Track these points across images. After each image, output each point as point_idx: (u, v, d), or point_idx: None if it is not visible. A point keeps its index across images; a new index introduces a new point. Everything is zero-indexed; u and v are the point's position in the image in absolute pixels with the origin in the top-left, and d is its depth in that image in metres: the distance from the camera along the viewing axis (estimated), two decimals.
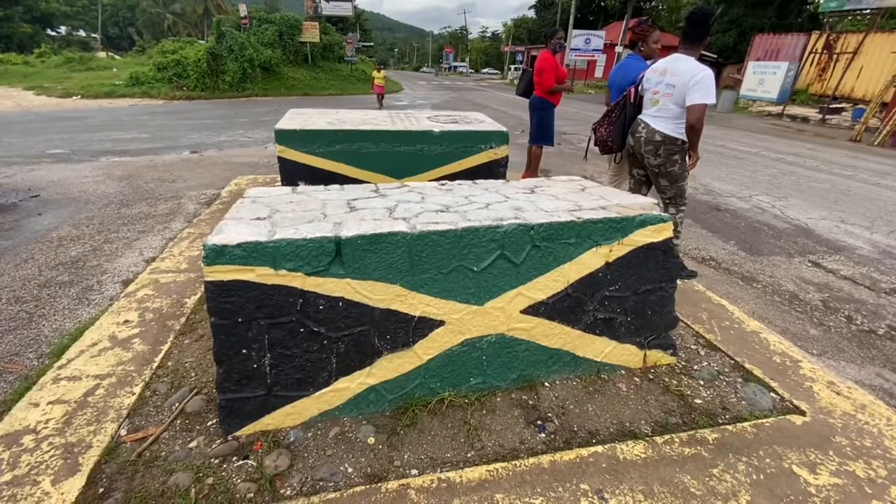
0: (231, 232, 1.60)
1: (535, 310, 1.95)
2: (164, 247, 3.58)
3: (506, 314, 1.91)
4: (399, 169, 3.72)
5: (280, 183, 3.65)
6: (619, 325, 2.12)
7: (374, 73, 15.15)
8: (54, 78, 19.38)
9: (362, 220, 1.79)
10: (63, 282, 3.05)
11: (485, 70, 74.55)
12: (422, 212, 1.94)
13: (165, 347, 2.22)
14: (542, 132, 5.07)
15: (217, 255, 1.51)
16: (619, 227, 1.96)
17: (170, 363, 2.13)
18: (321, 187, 2.40)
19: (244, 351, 1.65)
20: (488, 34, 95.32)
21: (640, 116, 3.06)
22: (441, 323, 1.84)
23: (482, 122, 4.09)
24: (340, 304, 1.68)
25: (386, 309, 1.74)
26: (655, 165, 2.98)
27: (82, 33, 54.66)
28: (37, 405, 1.83)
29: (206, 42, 20.42)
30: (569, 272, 1.95)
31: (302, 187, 2.40)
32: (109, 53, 35.05)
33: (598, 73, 34.57)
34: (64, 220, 4.34)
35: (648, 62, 3.47)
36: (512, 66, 46.11)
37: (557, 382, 2.08)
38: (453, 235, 1.74)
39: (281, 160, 3.51)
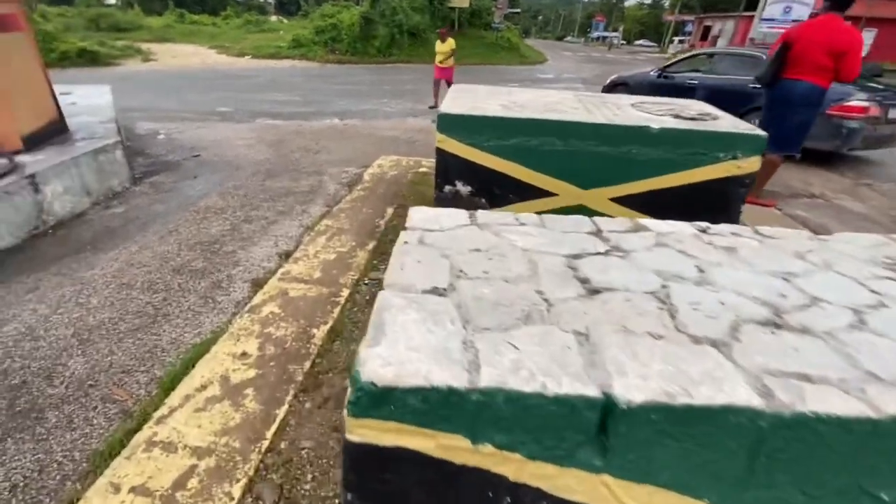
0: (397, 349, 0.84)
1: None
2: (300, 238, 3.14)
3: None
4: (590, 176, 2.75)
5: (434, 178, 2.93)
6: None
7: (439, 46, 8.62)
8: (233, 38, 21.66)
9: (629, 336, 0.91)
10: (196, 269, 2.75)
11: (638, 42, 66.97)
12: (739, 324, 0.98)
13: (281, 413, 1.65)
14: (797, 136, 3.63)
15: (374, 403, 0.76)
16: None
17: (283, 444, 1.54)
18: (510, 219, 1.59)
19: None
20: (647, 1, 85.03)
21: None
22: None
23: (716, 118, 2.87)
24: None
25: None
26: None
27: None
28: (117, 490, 1.35)
29: (361, 6, 20.93)
30: None
31: (482, 215, 1.61)
32: (279, 17, 38.64)
33: None
34: (214, 186, 4.23)
35: None
36: (675, 38, 40.28)
37: None
38: (864, 428, 0.76)
39: (439, 152, 2.78)
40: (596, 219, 1.63)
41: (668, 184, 2.70)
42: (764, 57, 5.51)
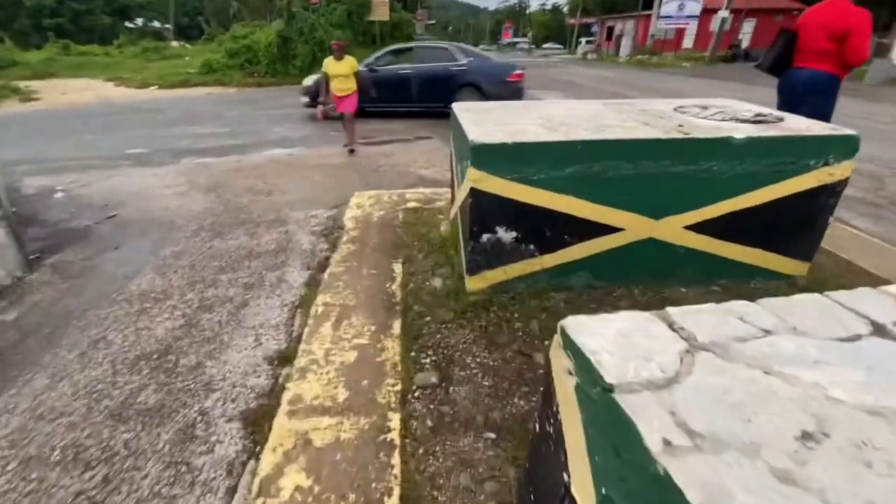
0: None
1: None
2: (290, 326, 2.32)
3: None
4: (662, 203, 2.21)
5: (469, 226, 2.25)
6: None
7: (328, 63, 5.77)
8: (132, 68, 19.40)
9: None
10: (148, 409, 1.85)
11: (545, 45, 70.16)
12: None
13: None
14: None
15: None
16: None
17: None
18: (734, 321, 0.97)
19: None
20: (549, 6, 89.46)
21: None
22: None
23: (780, 118, 2.46)
24: None
25: None
26: None
27: (157, 24, 56.75)
28: None
29: (272, 25, 19.63)
30: None
31: (681, 318, 0.97)
32: (181, 42, 35.70)
33: (688, 42, 30.65)
34: (146, 258, 3.24)
35: None
36: (582, 40, 42.34)
37: None
38: None
39: (474, 194, 2.10)
40: (831, 295, 1.05)
41: (750, 203, 2.23)
42: (449, 49, 7.94)
